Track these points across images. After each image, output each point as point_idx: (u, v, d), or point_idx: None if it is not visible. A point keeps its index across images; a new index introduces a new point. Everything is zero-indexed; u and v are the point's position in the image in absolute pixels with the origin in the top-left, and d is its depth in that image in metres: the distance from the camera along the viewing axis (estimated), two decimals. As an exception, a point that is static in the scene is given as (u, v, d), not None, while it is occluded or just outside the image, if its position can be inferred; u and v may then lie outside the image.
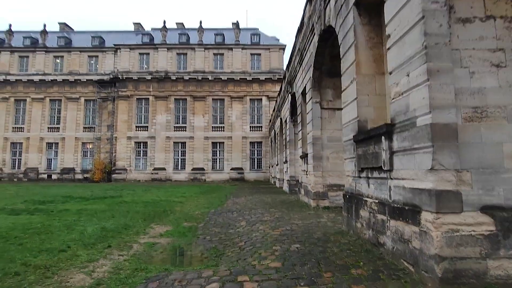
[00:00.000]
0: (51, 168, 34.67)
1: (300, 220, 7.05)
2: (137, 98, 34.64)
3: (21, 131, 34.96)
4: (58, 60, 36.00)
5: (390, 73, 4.00)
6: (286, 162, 16.90)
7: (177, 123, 34.27)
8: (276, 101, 24.18)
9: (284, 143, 18.05)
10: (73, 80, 35.04)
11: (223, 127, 34.12)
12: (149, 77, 34.30)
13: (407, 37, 3.52)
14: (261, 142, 34.08)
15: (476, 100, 3.22)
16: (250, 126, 34.28)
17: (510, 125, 3.16)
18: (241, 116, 34.10)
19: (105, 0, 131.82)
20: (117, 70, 34.69)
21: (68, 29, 41.71)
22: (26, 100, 35.31)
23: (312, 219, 7.20)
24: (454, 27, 3.29)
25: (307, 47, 10.05)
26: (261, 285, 3.26)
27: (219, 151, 34.00)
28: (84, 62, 35.79)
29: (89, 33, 38.79)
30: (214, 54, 35.26)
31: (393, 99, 3.90)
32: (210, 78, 34.25)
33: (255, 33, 37.05)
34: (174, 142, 33.80)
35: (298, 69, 12.25)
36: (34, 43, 36.68)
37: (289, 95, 15.21)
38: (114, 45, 35.42)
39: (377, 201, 4.39)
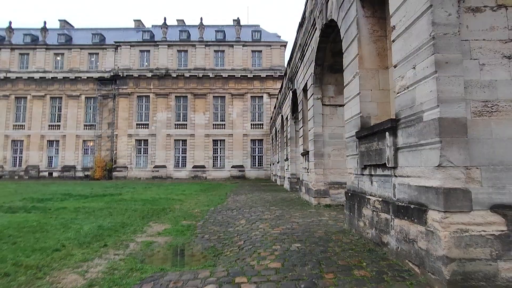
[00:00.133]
0: (52, 165, 34.65)
1: (301, 219, 6.91)
2: (137, 96, 34.50)
3: (22, 128, 34.92)
4: (58, 58, 35.88)
5: (395, 66, 3.83)
6: (287, 159, 16.76)
7: (178, 121, 34.14)
8: (277, 98, 24.00)
9: (285, 141, 17.90)
10: (74, 77, 34.93)
11: (224, 124, 33.96)
12: (149, 75, 34.14)
13: (414, 27, 3.35)
14: (262, 140, 33.92)
15: (486, 93, 3.05)
16: (251, 124, 34.11)
17: (522, 119, 3.00)
18: (242, 113, 33.92)
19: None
20: (118, 67, 34.53)
21: (69, 26, 41.57)
22: (26, 97, 35.25)
23: (313, 217, 7.06)
24: (464, 16, 3.12)
25: (309, 42, 9.87)
26: (259, 287, 3.12)
27: (220, 148, 33.87)
28: (84, 59, 35.65)
29: (90, 30, 38.64)
30: (215, 51, 35.04)
31: (398, 93, 3.74)
32: (210, 75, 34.06)
33: (256, 30, 36.78)
34: (174, 140, 33.69)
35: (299, 65, 12.07)
36: (35, 40, 36.55)
37: (290, 91, 15.03)
38: (115, 42, 35.25)
39: (380, 199, 4.24)
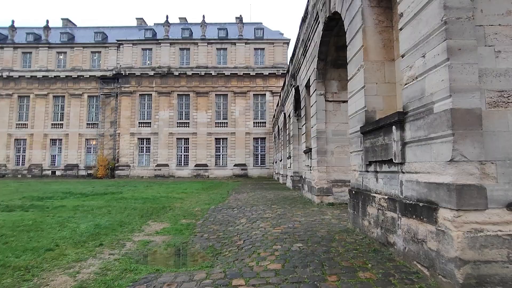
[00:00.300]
0: (55, 164, 34.73)
1: (303, 217, 6.70)
2: (140, 94, 34.43)
3: (25, 127, 35.02)
4: (61, 56, 35.90)
5: (403, 56, 3.60)
6: (289, 157, 16.54)
7: (180, 119, 34.02)
8: (280, 96, 23.76)
9: (287, 138, 17.67)
10: (76, 76, 34.92)
11: (226, 123, 33.79)
12: (151, 73, 34.04)
13: (424, 13, 3.13)
14: (264, 138, 33.71)
15: (502, 82, 2.82)
16: (254, 122, 33.91)
17: (542, 110, 2.76)
18: (245, 111, 33.72)
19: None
20: (120, 66, 34.47)
21: (71, 25, 41.59)
22: (29, 96, 35.32)
23: (315, 216, 6.86)
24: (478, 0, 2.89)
25: (311, 37, 9.63)
26: (258, 290, 2.93)
27: (222, 147, 33.72)
28: (87, 58, 35.64)
29: (92, 29, 38.61)
30: (217, 49, 34.84)
31: (405, 84, 3.52)
32: (213, 74, 33.88)
33: (258, 27, 36.50)
34: (177, 138, 33.59)
35: (302, 61, 11.83)
36: (37, 39, 36.59)
37: (293, 88, 14.80)
38: (117, 40, 35.18)
39: (386, 197, 4.02)
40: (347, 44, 5.83)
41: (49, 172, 34.12)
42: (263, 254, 4.10)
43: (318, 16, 8.43)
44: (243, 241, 5.04)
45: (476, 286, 2.54)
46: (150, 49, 34.94)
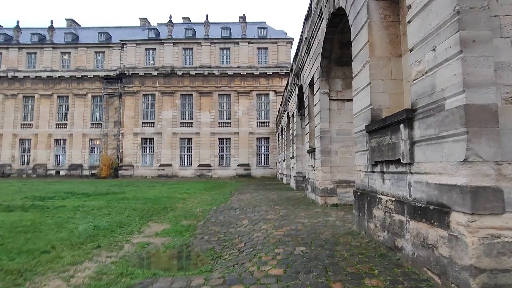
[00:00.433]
0: (59, 164, 34.90)
1: (306, 219, 6.52)
2: (143, 94, 34.46)
3: (30, 127, 35.25)
4: (65, 57, 36.07)
5: (411, 50, 3.42)
6: (293, 157, 16.35)
7: (183, 119, 33.99)
8: (283, 95, 23.57)
9: (291, 138, 17.49)
10: (80, 76, 35.06)
11: (230, 122, 33.67)
12: (155, 73, 34.04)
13: (434, 3, 2.94)
14: (268, 138, 33.53)
15: (519, 77, 2.63)
16: (257, 122, 33.74)
17: None
18: (248, 111, 33.57)
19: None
20: (124, 66, 34.52)
21: (75, 25, 41.79)
22: (34, 96, 35.54)
23: (319, 217, 6.67)
24: (493, -12, 2.69)
25: (315, 34, 9.45)
26: (257, 298, 2.77)
27: (226, 147, 33.61)
28: (91, 58, 35.76)
29: (96, 29, 38.75)
30: (220, 48, 34.73)
31: (414, 80, 3.33)
32: (216, 73, 33.78)
33: (262, 26, 36.33)
34: (180, 138, 33.55)
35: (305, 59, 11.65)
36: (42, 39, 36.81)
37: (296, 87, 14.61)
38: (121, 40, 35.25)
39: (393, 199, 3.84)
40: (351, 40, 5.64)
41: (54, 172, 34.29)
42: (265, 258, 3.94)
43: (322, 13, 8.25)
44: (244, 243, 4.88)
45: (492, 296, 2.35)
46: (154, 49, 34.95)
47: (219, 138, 33.48)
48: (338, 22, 7.56)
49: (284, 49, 34.66)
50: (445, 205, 2.75)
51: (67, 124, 35.09)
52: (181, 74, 33.93)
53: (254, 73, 33.70)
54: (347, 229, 5.38)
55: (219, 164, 33.21)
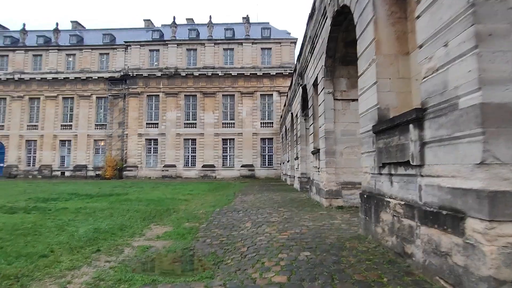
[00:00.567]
0: (64, 165, 35.11)
1: (311, 222, 6.37)
2: (147, 95, 34.52)
3: (35, 129, 35.52)
4: (70, 58, 36.31)
5: (420, 47, 3.25)
6: (297, 158, 16.18)
7: (187, 120, 33.97)
8: (287, 95, 23.41)
9: (295, 139, 17.32)
10: (85, 77, 35.26)
11: (234, 123, 33.57)
12: (159, 74, 34.08)
13: (446, -4, 2.78)
14: (272, 139, 33.36)
15: (539, 73, 2.45)
16: (261, 122, 33.60)
17: None
18: (252, 112, 33.44)
19: None
20: (128, 67, 34.63)
21: (80, 27, 42.08)
22: (40, 98, 35.82)
23: (324, 220, 6.51)
24: (510, -21, 2.53)
25: (319, 33, 9.29)
26: (260, 308, 2.63)
27: (230, 147, 33.50)
28: (95, 59, 35.95)
29: (100, 31, 38.98)
30: (224, 49, 34.67)
31: (424, 77, 3.17)
32: (220, 74, 33.72)
33: (265, 27, 36.20)
34: (184, 139, 33.53)
35: (309, 58, 11.48)
36: (47, 41, 37.10)
37: (300, 87, 14.45)
38: (125, 42, 35.36)
39: (402, 202, 3.67)
40: (357, 38, 5.48)
41: (59, 173, 34.50)
42: (268, 263, 3.79)
43: (326, 11, 8.09)
44: (247, 248, 4.74)
45: (512, 310, 2.18)
46: (158, 50, 35.00)
47: (223, 139, 33.40)
48: (343, 20, 7.40)
49: (288, 49, 34.48)
50: (459, 210, 2.58)
51: (72, 125, 35.31)
52: (184, 75, 33.93)
53: (258, 74, 33.57)
54: (353, 233, 5.22)
55: (223, 165, 33.11)
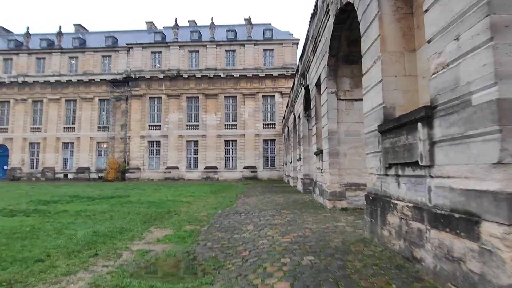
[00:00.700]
0: (67, 167, 35.17)
1: (315, 224, 6.21)
2: (149, 97, 34.54)
3: (39, 131, 35.65)
4: (73, 61, 36.45)
5: (429, 41, 3.11)
6: (299, 159, 16.01)
7: (189, 121, 33.92)
8: (289, 96, 23.27)
9: (297, 140, 17.16)
10: (87, 80, 35.36)
11: (236, 124, 33.46)
12: (161, 76, 34.10)
13: (456, -14, 2.63)
14: (274, 140, 33.20)
15: (559, 67, 2.29)
16: (263, 124, 33.46)
17: None
18: (254, 113, 33.33)
19: (119, 1, 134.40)
20: (130, 69, 34.70)
21: (83, 30, 42.27)
22: (43, 101, 35.96)
23: (328, 222, 6.35)
24: (526, -33, 2.37)
25: (322, 32, 9.15)
26: (261, 317, 2.48)
27: (232, 149, 33.38)
28: (98, 62, 36.05)
29: (103, 34, 39.10)
30: (226, 50, 34.63)
31: (433, 74, 3.01)
32: (222, 75, 33.67)
33: (267, 28, 36.13)
34: (186, 141, 33.47)
35: (311, 58, 11.35)
36: (50, 44, 37.29)
37: (303, 88, 14.30)
38: (127, 44, 35.45)
39: (410, 205, 3.51)
40: (361, 35, 5.34)
41: (62, 175, 34.56)
42: (270, 269, 3.64)
43: (329, 9, 7.96)
44: (248, 252, 4.60)
45: (534, 321, 2.02)
46: (160, 52, 35.04)
47: (225, 140, 33.29)
48: (346, 18, 7.27)
49: (290, 50, 34.37)
50: (473, 213, 2.42)
51: (74, 127, 35.39)
52: (187, 76, 33.92)
53: (260, 75, 33.47)
54: (358, 236, 5.05)
55: (225, 167, 32.99)
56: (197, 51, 34.75)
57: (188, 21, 40.59)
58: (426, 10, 3.17)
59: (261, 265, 3.82)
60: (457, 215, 2.62)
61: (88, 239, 5.46)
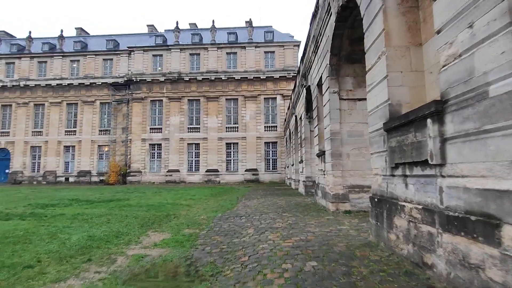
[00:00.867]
0: (68, 171, 35.09)
1: (317, 228, 5.99)
2: (151, 100, 34.47)
3: (40, 135, 35.64)
4: (74, 64, 36.52)
5: (439, 32, 2.91)
6: (301, 161, 15.79)
7: (191, 124, 33.80)
8: (291, 98, 23.09)
9: (299, 142, 16.95)
10: (89, 83, 35.38)
11: (237, 127, 33.30)
12: (162, 79, 34.06)
13: (469, -30, 2.44)
14: (276, 142, 32.98)
15: None
16: (265, 126, 33.27)
17: None
18: (255, 115, 33.16)
19: (120, 4, 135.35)
20: (131, 72, 34.69)
21: (84, 33, 42.44)
22: (44, 104, 36.00)
23: (331, 226, 6.12)
24: None
25: (323, 31, 8.98)
26: (260, 330, 2.27)
27: (233, 152, 33.19)
28: (99, 65, 36.10)
29: (104, 37, 39.23)
30: (227, 53, 34.57)
31: (444, 66, 2.81)
32: (223, 78, 33.57)
33: (268, 30, 36.07)
34: (187, 144, 33.32)
35: (313, 58, 11.17)
36: (52, 48, 37.41)
37: (304, 89, 14.12)
38: (128, 47, 35.47)
39: (420, 206, 3.29)
40: (364, 31, 5.15)
41: (63, 179, 34.47)
42: (270, 275, 3.43)
43: (330, 7, 7.79)
44: (248, 257, 4.38)
45: None
46: (161, 55, 35.04)
47: (226, 143, 33.12)
48: (348, 15, 7.09)
49: (291, 52, 34.26)
50: (493, 216, 2.21)
51: (76, 131, 35.35)
52: (188, 79, 33.86)
53: (261, 77, 33.35)
54: (363, 240, 4.83)
55: (227, 169, 32.78)
56: (198, 54, 34.72)
57: (189, 24, 40.68)
58: (435, -1, 2.97)
59: (261, 271, 3.61)
60: (473, 218, 2.41)
61: (82, 243, 5.27)
